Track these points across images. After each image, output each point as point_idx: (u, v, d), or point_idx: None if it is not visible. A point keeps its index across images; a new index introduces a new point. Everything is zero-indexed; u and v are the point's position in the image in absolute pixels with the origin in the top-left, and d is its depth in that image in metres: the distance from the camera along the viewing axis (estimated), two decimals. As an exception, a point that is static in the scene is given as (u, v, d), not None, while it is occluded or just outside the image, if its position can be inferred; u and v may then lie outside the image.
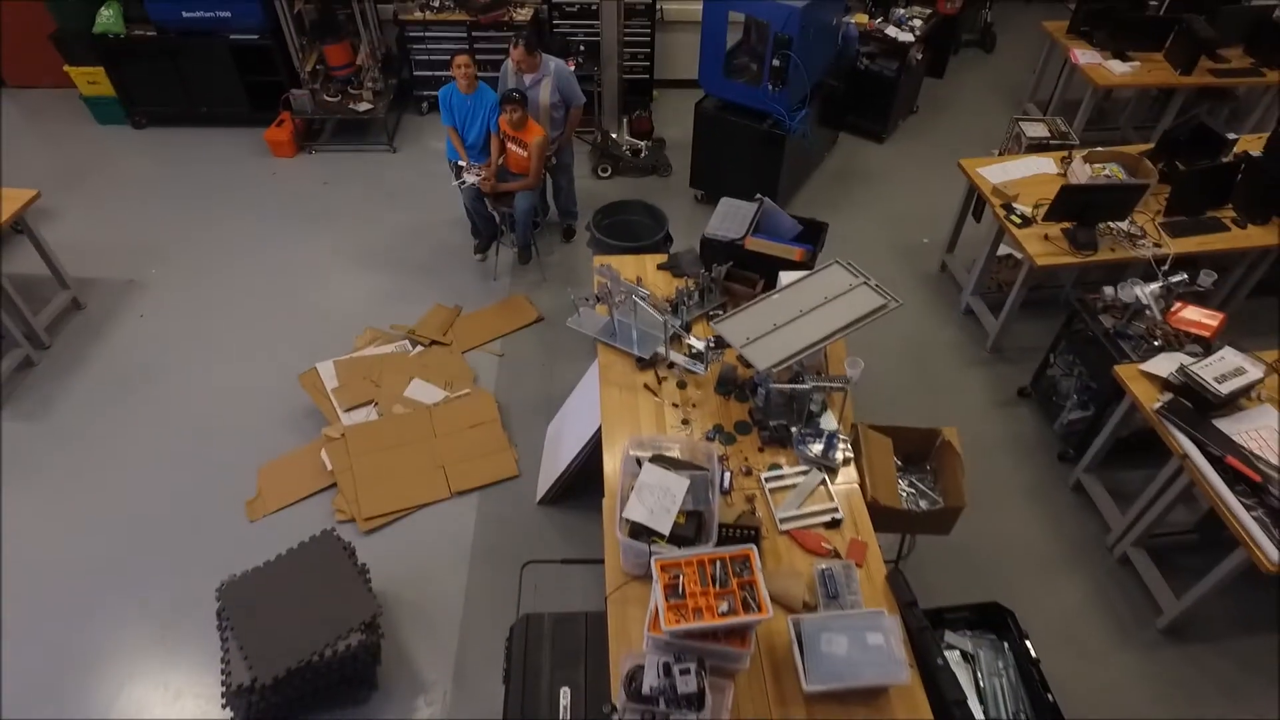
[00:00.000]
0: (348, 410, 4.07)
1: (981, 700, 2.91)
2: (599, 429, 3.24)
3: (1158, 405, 3.25)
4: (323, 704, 3.12)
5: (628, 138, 5.87)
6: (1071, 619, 3.50)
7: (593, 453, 3.46)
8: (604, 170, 5.80)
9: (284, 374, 4.33)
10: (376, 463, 3.86)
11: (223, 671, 2.92)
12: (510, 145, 4.55)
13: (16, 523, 3.72)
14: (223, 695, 2.93)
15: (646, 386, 3.30)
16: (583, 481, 3.65)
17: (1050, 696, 2.84)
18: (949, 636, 3.05)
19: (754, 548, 2.41)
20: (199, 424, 4.17)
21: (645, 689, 2.28)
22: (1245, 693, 3.26)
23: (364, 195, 5.71)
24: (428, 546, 3.66)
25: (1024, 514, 3.87)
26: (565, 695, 2.75)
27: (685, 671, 2.24)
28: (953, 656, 2.99)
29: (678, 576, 2.37)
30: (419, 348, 4.48)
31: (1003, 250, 4.70)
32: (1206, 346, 3.52)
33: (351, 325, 4.66)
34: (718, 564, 2.39)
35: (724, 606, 2.31)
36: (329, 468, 3.84)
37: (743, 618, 2.29)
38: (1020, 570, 3.65)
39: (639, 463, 2.79)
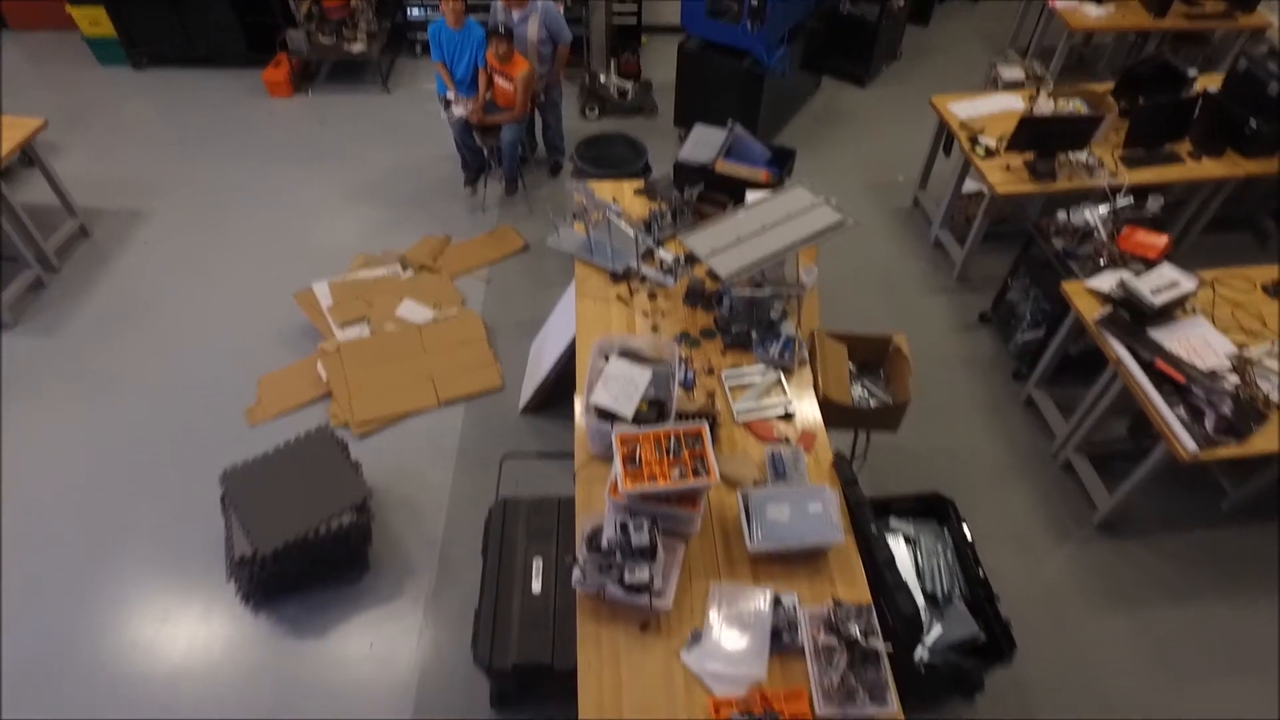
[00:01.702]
0: (342, 327, 4.31)
1: (920, 578, 3.18)
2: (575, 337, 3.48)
3: (1097, 316, 3.47)
4: (319, 581, 3.40)
5: (615, 79, 6.03)
6: (1016, 519, 3.76)
7: (570, 361, 3.70)
8: (592, 110, 5.97)
9: (281, 297, 4.56)
10: (369, 374, 4.11)
11: (226, 547, 3.19)
12: (497, 79, 4.73)
13: (32, 429, 3.98)
14: (227, 569, 3.22)
15: (619, 298, 3.52)
16: (561, 395, 3.89)
17: (981, 572, 3.12)
18: (893, 522, 3.32)
19: (705, 424, 2.65)
20: (201, 341, 4.41)
21: (604, 543, 2.55)
22: (1170, 582, 3.52)
23: (358, 134, 5.90)
24: (417, 449, 3.92)
25: (978, 427, 4.12)
26: (538, 563, 3.02)
27: (640, 528, 2.50)
28: (896, 540, 3.27)
29: (635, 448, 2.62)
30: (409, 272, 4.71)
31: (972, 187, 4.89)
32: (1151, 267, 3.72)
33: (346, 254, 4.89)
34: (672, 438, 2.63)
35: (676, 473, 2.56)
36: (324, 378, 4.09)
37: (692, 482, 2.54)
38: (972, 476, 3.90)
39: (607, 358, 3.04)
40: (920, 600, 3.09)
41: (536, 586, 2.96)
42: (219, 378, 4.21)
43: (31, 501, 3.70)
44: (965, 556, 3.19)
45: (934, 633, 3.04)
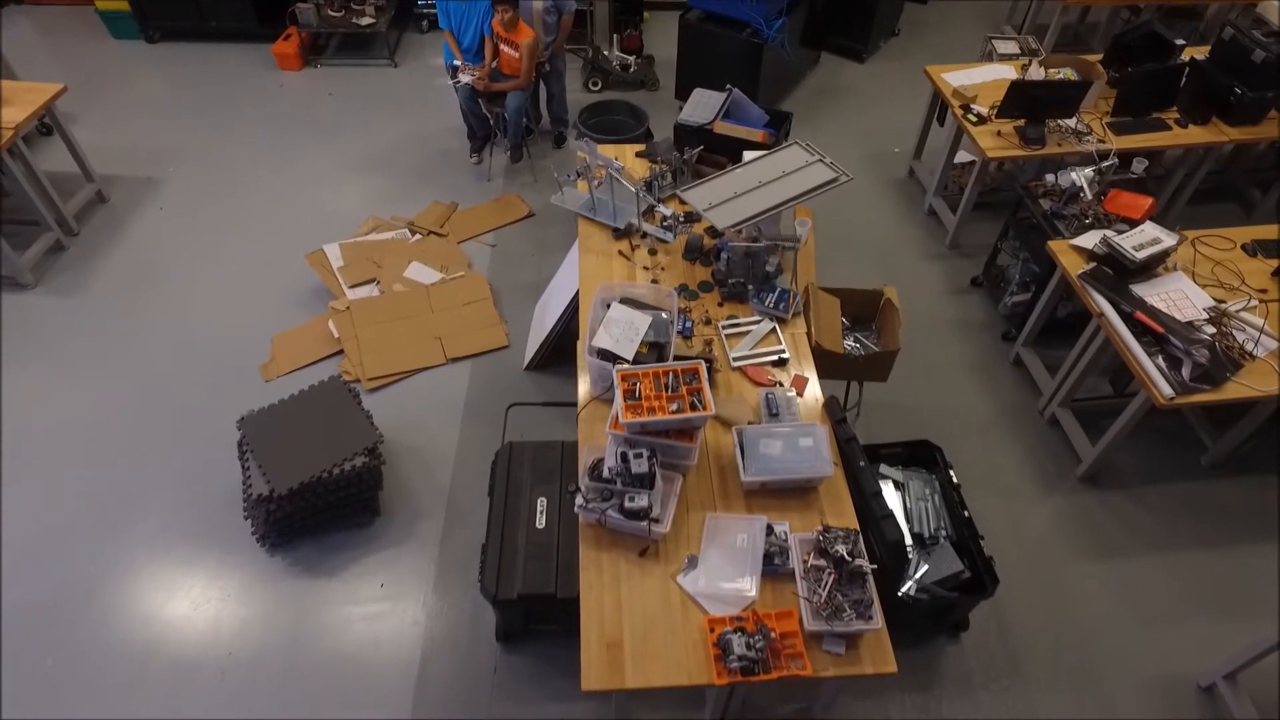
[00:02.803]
0: (352, 287, 4.45)
1: (909, 520, 3.32)
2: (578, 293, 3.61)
3: (1081, 272, 3.60)
4: (332, 525, 3.55)
5: (618, 53, 6.15)
6: (1004, 471, 3.89)
7: (573, 319, 3.84)
8: (595, 84, 6.08)
9: (293, 260, 4.70)
10: (379, 332, 4.25)
11: (244, 488, 3.34)
12: (503, 47, 4.85)
13: (53, 385, 4.12)
14: (244, 507, 3.36)
15: (621, 253, 3.66)
16: (564, 352, 4.02)
17: (966, 513, 3.26)
18: (883, 468, 3.45)
19: (703, 362, 2.79)
20: (216, 301, 4.55)
21: (605, 472, 2.69)
22: (1150, 531, 3.66)
23: (367, 106, 6.02)
24: (425, 403, 4.07)
25: (968, 385, 4.24)
26: (542, 503, 3.16)
27: (639, 456, 2.64)
28: (885, 485, 3.41)
29: (636, 384, 2.76)
30: (417, 237, 4.84)
31: (965, 157, 5.01)
32: (1135, 226, 3.85)
33: (355, 220, 5.02)
34: (670, 375, 2.77)
35: (674, 407, 2.70)
36: (336, 335, 4.23)
37: (689, 415, 2.68)
38: (962, 431, 4.03)
39: (608, 305, 3.17)
40: (907, 535, 3.24)
41: (541, 522, 3.11)
42: (234, 336, 4.35)
43: (53, 453, 3.84)
44: (951, 500, 3.33)
45: (921, 570, 3.19)
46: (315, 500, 3.35)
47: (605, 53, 6.11)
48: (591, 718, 3.08)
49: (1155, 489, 3.80)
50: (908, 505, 3.35)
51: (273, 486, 3.22)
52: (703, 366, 2.77)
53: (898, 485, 3.41)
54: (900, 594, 3.10)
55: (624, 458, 2.66)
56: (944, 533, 3.27)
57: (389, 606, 3.38)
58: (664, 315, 3.12)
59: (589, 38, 6.20)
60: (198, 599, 3.38)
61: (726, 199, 3.36)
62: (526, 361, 4.21)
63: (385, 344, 4.22)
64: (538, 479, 3.24)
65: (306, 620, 3.33)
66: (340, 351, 4.22)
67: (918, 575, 3.15)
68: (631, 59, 6.09)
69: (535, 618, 3.17)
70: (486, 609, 3.27)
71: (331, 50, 6.56)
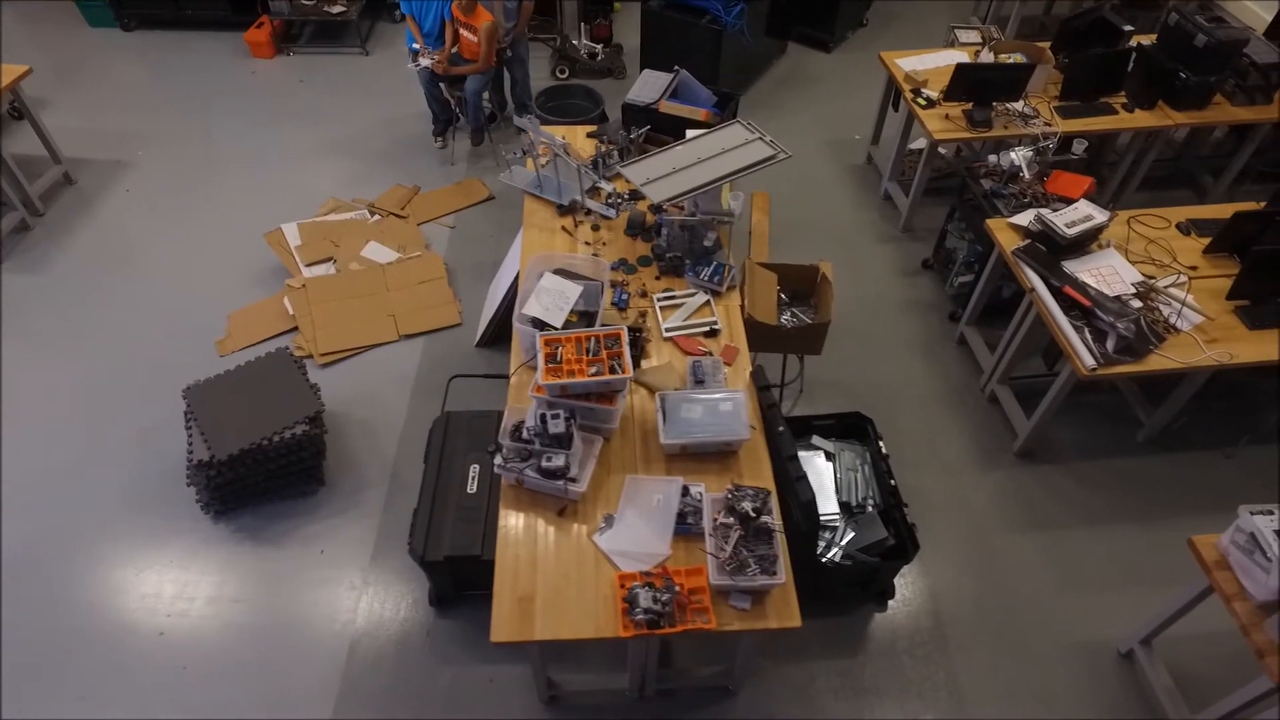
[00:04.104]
0: (309, 265, 4.52)
1: (839, 489, 3.38)
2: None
3: (1015, 248, 3.66)
4: (276, 494, 3.61)
5: (586, 42, 6.21)
6: (943, 447, 3.94)
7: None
8: (562, 72, 6.15)
9: (254, 240, 4.77)
10: (334, 309, 4.32)
11: (187, 454, 3.40)
12: (462, 31, 4.92)
13: (14, 360, 4.20)
14: (187, 473, 3.43)
15: (564, 229, 3.72)
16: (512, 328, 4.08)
17: (893, 482, 3.31)
18: (815, 440, 3.51)
19: (624, 328, 2.85)
20: (177, 280, 4.62)
21: (524, 433, 2.75)
22: (1083, 504, 3.71)
23: (336, 93, 6.09)
24: (377, 377, 4.13)
25: (914, 364, 4.30)
26: (474, 470, 3.23)
27: (556, 417, 2.70)
28: (816, 455, 3.47)
29: (558, 349, 2.82)
30: (376, 218, 4.91)
31: (921, 143, 5.06)
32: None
33: (318, 202, 5.09)
34: (592, 340, 2.83)
35: (594, 370, 2.77)
36: (291, 312, 4.30)
37: (608, 377, 2.74)
38: (905, 408, 4.08)
39: (542, 275, 3.23)
40: (835, 504, 3.30)
41: (472, 488, 3.17)
42: (192, 313, 4.42)
43: (8, 423, 3.91)
44: (881, 470, 3.38)
45: (848, 537, 3.25)
46: (257, 467, 3.41)
47: (574, 41, 6.18)
48: (518, 678, 3.13)
49: (1090, 464, 3.85)
50: (838, 475, 3.41)
51: (213, 452, 3.29)
52: (624, 331, 2.83)
53: (829, 456, 3.47)
54: (825, 560, 3.16)
55: (542, 419, 2.72)
56: (871, 502, 3.33)
57: (329, 573, 3.44)
58: (596, 284, 3.18)
59: (558, 26, 6.27)
60: (141, 564, 3.45)
61: (664, 174, 3.41)
62: (477, 338, 4.27)
63: (339, 321, 4.28)
64: (472, 446, 3.31)
65: (246, 584, 3.40)
66: (295, 328, 4.29)
67: (843, 542, 3.21)
68: (599, 47, 6.16)
69: (465, 582, 3.23)
70: (423, 576, 3.33)
71: (305, 39, 6.64)
